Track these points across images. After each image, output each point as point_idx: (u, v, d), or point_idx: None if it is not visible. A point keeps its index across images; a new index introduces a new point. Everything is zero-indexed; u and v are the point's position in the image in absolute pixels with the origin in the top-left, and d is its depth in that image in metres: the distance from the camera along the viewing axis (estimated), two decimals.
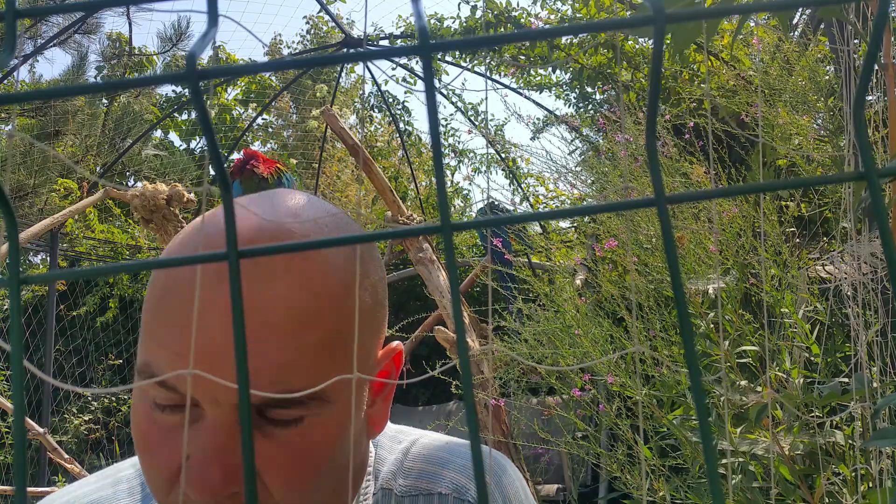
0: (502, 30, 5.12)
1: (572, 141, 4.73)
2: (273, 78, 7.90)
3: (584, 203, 2.87)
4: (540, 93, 5.55)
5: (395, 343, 0.58)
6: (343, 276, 0.48)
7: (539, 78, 5.52)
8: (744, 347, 1.58)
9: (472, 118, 6.56)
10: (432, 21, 5.61)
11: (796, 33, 2.96)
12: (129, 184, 6.35)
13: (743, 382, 1.48)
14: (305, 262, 0.47)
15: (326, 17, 7.82)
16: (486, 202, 4.20)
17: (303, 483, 0.46)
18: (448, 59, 5.61)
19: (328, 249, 0.48)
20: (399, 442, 0.66)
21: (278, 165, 3.42)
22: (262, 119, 9.05)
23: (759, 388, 1.47)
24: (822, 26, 2.96)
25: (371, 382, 0.54)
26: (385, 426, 0.57)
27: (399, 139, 7.32)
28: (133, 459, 0.63)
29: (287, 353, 0.44)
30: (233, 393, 0.42)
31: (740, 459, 1.41)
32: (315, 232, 0.50)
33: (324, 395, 0.46)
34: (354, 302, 0.48)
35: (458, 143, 7.80)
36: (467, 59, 5.57)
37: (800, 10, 2.35)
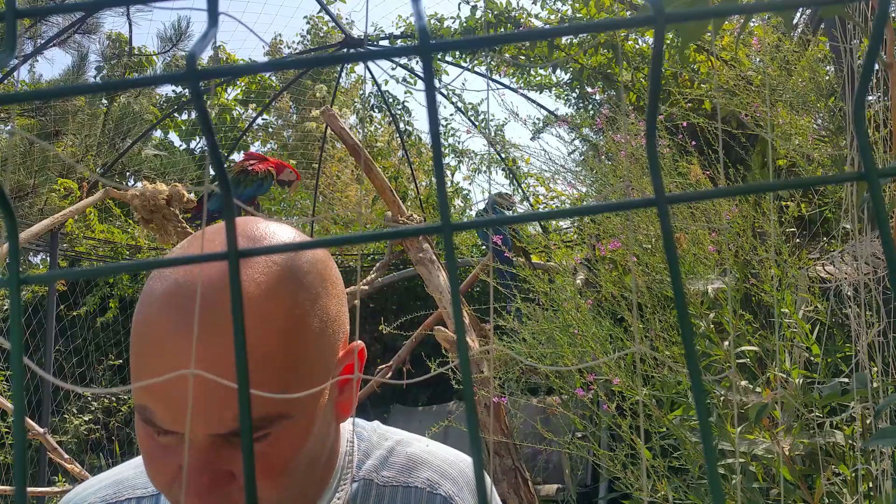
0: (502, 30, 5.12)
1: (572, 141, 4.73)
2: (273, 78, 7.90)
3: (584, 203, 2.87)
4: (540, 93, 5.55)
5: (357, 342, 0.65)
6: (290, 312, 0.56)
7: (539, 78, 5.52)
8: (744, 347, 1.58)
9: (472, 118, 6.56)
10: (432, 21, 5.60)
11: (797, 33, 2.96)
12: (129, 184, 6.35)
13: (743, 382, 1.48)
14: (250, 311, 0.54)
15: (326, 17, 7.82)
16: (491, 195, 4.19)
17: (273, 481, 0.57)
18: (448, 59, 5.61)
19: (275, 291, 0.56)
20: (386, 440, 0.74)
21: (269, 168, 3.43)
22: (262, 119, 9.05)
23: (758, 388, 1.47)
24: (822, 26, 2.96)
25: (338, 374, 0.63)
26: (352, 411, 0.65)
27: (399, 139, 7.32)
28: None
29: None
30: (205, 426, 0.54)
31: (740, 460, 1.41)
32: (267, 275, 0.57)
33: (284, 413, 0.56)
34: (304, 331, 0.57)
35: (458, 143, 7.80)
36: (467, 59, 5.57)
37: (800, 10, 2.35)
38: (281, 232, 0.61)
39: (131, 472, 0.72)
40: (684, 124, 2.28)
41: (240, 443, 0.55)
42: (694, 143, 2.17)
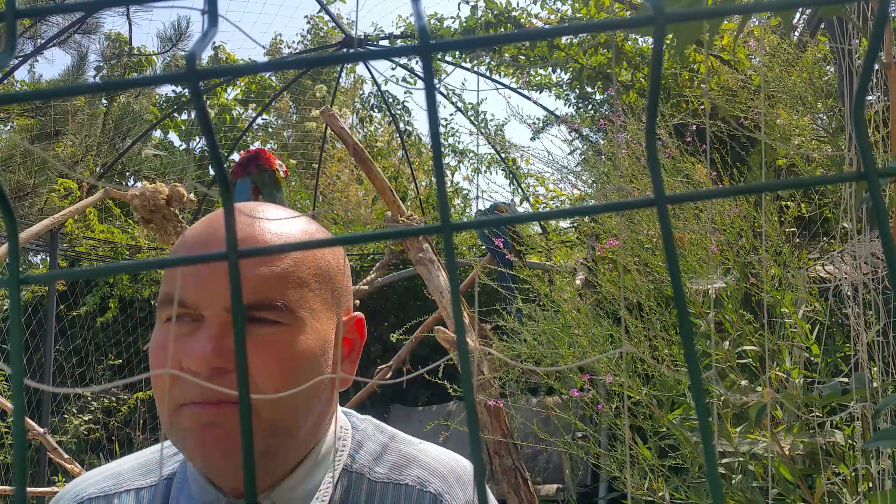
0: (502, 30, 5.12)
1: (572, 141, 4.73)
2: (273, 78, 7.90)
3: (584, 203, 2.87)
4: (540, 93, 5.55)
5: (357, 313, 0.72)
6: (308, 236, 0.68)
7: (539, 78, 5.51)
8: (744, 347, 1.58)
9: (472, 118, 6.56)
10: (432, 21, 5.60)
11: (796, 34, 2.96)
12: (129, 184, 6.35)
13: (743, 382, 1.48)
14: (272, 225, 0.66)
15: (326, 17, 7.82)
16: (491, 203, 4.19)
17: (276, 374, 0.61)
18: (448, 59, 5.61)
19: (297, 222, 0.68)
20: (381, 432, 0.77)
21: (276, 168, 3.44)
22: (262, 119, 9.05)
23: (759, 388, 1.47)
24: (822, 26, 2.96)
25: (339, 347, 0.68)
26: (349, 384, 0.70)
27: (399, 139, 7.32)
28: (157, 446, 0.75)
29: (262, 272, 0.62)
30: (223, 299, 0.61)
31: (740, 459, 1.41)
32: (289, 214, 0.68)
33: (291, 309, 0.62)
34: (316, 256, 0.66)
35: (458, 143, 7.80)
36: (467, 59, 5.57)
37: (799, 10, 2.35)
38: (294, 222, 0.69)
39: (131, 463, 0.73)
40: (693, 127, 2.28)
41: (253, 326, 0.61)
42: (703, 145, 2.17)
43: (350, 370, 0.71)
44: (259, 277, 0.62)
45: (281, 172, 3.50)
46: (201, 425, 0.59)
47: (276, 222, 0.66)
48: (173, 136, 8.55)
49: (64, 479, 4.30)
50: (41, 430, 2.91)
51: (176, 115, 7.99)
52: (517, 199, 5.92)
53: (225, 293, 0.60)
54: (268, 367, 0.61)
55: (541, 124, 5.56)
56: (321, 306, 0.65)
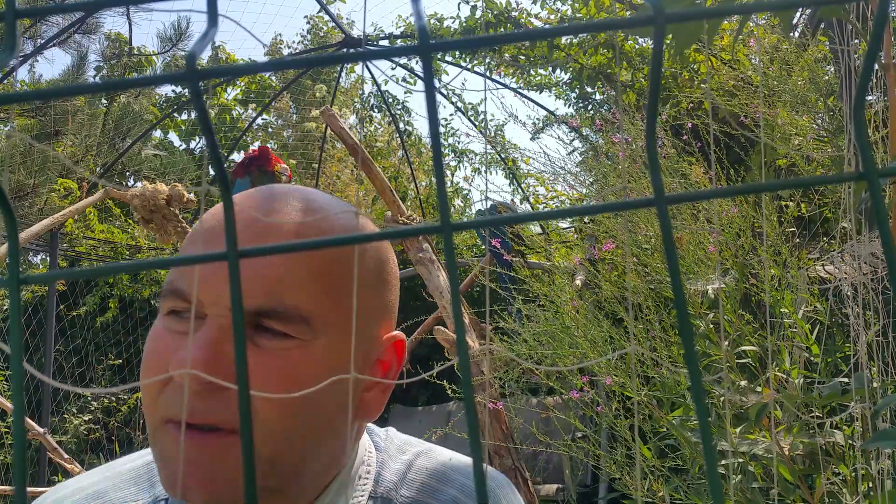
0: (502, 30, 5.12)
1: (571, 141, 4.73)
2: (273, 78, 7.90)
3: (584, 203, 2.87)
4: (540, 93, 5.55)
5: (398, 332, 0.61)
6: (344, 231, 0.56)
7: (539, 78, 5.52)
8: (744, 347, 1.58)
9: (472, 118, 6.56)
10: (432, 21, 5.60)
11: (796, 34, 2.96)
12: (129, 184, 6.35)
13: (743, 382, 1.48)
14: (311, 214, 0.55)
15: (326, 17, 7.82)
16: (489, 203, 4.19)
17: (281, 399, 0.50)
18: (448, 59, 5.61)
19: (335, 210, 0.56)
20: (403, 452, 0.68)
21: (277, 169, 3.45)
22: (262, 119, 9.05)
23: (759, 388, 1.47)
24: (822, 26, 2.96)
25: (371, 369, 0.58)
26: (378, 414, 0.60)
27: (399, 139, 7.32)
28: (141, 452, 0.66)
29: (280, 270, 0.51)
30: (228, 293, 0.49)
31: (740, 459, 1.41)
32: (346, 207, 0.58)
33: (311, 321, 0.51)
34: (353, 257, 0.55)
35: (458, 143, 7.80)
36: (467, 59, 5.57)
37: (799, 10, 2.35)
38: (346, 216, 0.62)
39: (109, 483, 0.63)
40: (689, 125, 2.28)
41: (257, 336, 0.51)
42: (699, 144, 2.17)
43: (381, 399, 0.59)
44: (276, 277, 0.51)
45: (284, 177, 3.51)
46: (182, 459, 0.49)
47: (330, 212, 0.56)
48: (173, 136, 8.56)
49: (64, 480, 4.29)
50: (41, 430, 2.91)
51: (176, 115, 8.00)
52: (517, 200, 5.93)
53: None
54: (269, 387, 0.49)
55: (541, 124, 5.57)
56: (350, 321, 0.54)
